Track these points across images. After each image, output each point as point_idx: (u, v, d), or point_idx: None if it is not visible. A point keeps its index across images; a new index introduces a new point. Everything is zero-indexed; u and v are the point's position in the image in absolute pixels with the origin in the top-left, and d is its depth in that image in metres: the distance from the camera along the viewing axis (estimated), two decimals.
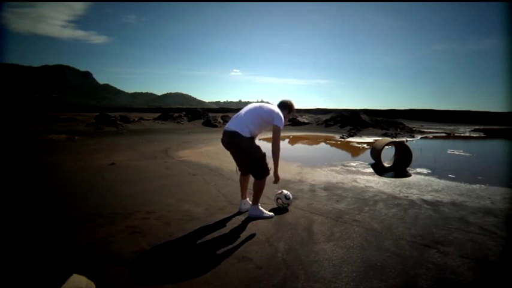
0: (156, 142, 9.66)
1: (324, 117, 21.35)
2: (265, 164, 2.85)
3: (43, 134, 10.63)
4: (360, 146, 9.89)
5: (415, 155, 5.68)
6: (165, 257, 2.13)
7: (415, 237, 2.51)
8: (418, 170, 5.55)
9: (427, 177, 4.93)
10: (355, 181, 4.57)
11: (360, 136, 13.30)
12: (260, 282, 1.83)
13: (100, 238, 2.40)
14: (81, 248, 2.24)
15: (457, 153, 8.50)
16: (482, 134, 17.23)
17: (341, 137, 12.56)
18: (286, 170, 5.33)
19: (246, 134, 2.73)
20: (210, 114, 22.63)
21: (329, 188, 4.14)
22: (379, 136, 12.84)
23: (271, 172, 2.88)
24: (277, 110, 2.84)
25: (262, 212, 2.92)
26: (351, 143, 10.63)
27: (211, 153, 7.38)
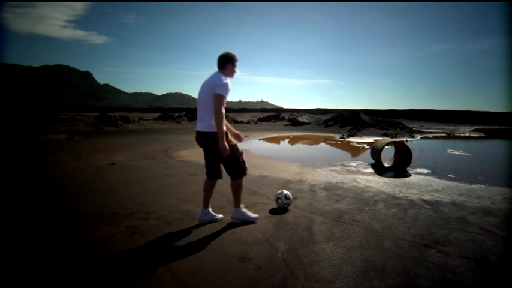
0: (156, 142, 9.66)
1: (324, 117, 21.36)
2: (243, 162, 2.68)
3: (43, 134, 10.63)
4: (360, 146, 9.89)
5: (415, 155, 5.68)
6: (165, 257, 2.13)
7: (415, 237, 2.51)
8: (418, 170, 5.55)
9: (427, 177, 4.93)
10: (355, 181, 4.57)
11: (360, 136, 13.30)
12: (260, 282, 1.83)
13: (100, 238, 2.40)
14: (81, 248, 2.24)
15: (457, 153, 8.50)
16: (482, 134, 17.22)
17: (341, 137, 12.56)
18: (286, 170, 5.33)
19: (213, 128, 2.48)
20: None
21: (329, 188, 4.14)
22: (379, 136, 12.84)
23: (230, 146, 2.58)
24: (218, 77, 2.53)
25: (246, 213, 2.77)
26: (351, 143, 10.63)
27: None
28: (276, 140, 11.71)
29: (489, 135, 16.89)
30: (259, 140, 11.62)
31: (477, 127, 23.61)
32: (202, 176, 4.70)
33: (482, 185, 4.41)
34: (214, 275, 1.90)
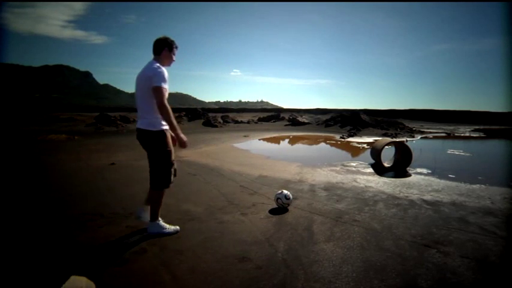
0: None
1: (324, 117, 21.36)
2: (169, 173, 2.39)
3: (43, 134, 10.63)
4: (360, 146, 9.89)
5: (415, 155, 5.68)
6: (164, 257, 2.13)
7: (415, 237, 2.51)
8: (418, 170, 5.55)
9: (427, 177, 4.93)
10: (355, 181, 4.57)
11: (360, 136, 13.30)
12: (260, 282, 1.83)
13: (100, 238, 2.40)
14: (81, 248, 2.24)
15: (457, 153, 8.50)
16: (482, 134, 17.22)
17: (341, 137, 12.56)
18: (286, 170, 5.33)
19: (152, 127, 2.29)
20: (210, 114, 22.66)
21: (329, 188, 4.14)
22: (379, 136, 12.84)
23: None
24: (152, 67, 2.25)
25: (163, 228, 2.46)
26: (351, 143, 10.63)
27: (211, 153, 7.38)
28: (276, 140, 11.71)
29: (489, 135, 16.88)
30: (259, 140, 11.62)
31: (477, 127, 23.60)
32: (202, 176, 4.72)
33: (482, 185, 4.41)
34: (214, 275, 1.90)
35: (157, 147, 2.34)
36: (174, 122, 2.25)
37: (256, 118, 26.17)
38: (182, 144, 2.33)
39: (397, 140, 9.48)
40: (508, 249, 2.33)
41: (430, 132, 17.04)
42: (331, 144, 10.43)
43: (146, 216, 2.49)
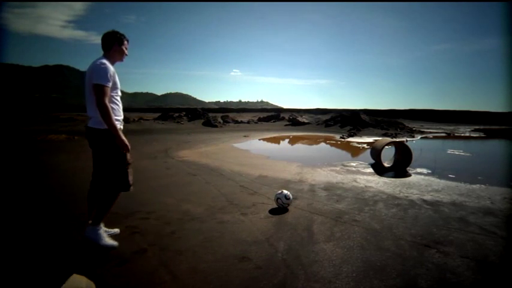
0: (156, 142, 9.66)
1: (324, 117, 21.37)
2: (126, 174, 2.27)
3: (43, 134, 10.63)
4: (360, 146, 9.89)
5: (415, 155, 5.68)
6: (164, 257, 2.12)
7: (415, 237, 2.51)
8: (418, 170, 5.55)
9: (427, 177, 4.93)
10: (355, 181, 4.57)
11: (360, 136, 13.30)
12: (260, 282, 1.83)
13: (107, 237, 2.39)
14: (81, 248, 2.24)
15: (457, 153, 8.50)
16: (482, 134, 17.23)
17: (341, 137, 12.56)
18: (286, 170, 5.33)
19: (101, 125, 2.11)
20: (210, 114, 22.67)
21: (329, 188, 4.14)
22: (379, 136, 12.84)
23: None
24: (97, 63, 2.08)
25: (101, 238, 2.19)
26: (351, 143, 10.63)
27: (211, 153, 7.38)
28: (276, 140, 11.71)
29: (489, 135, 16.89)
30: (259, 140, 11.62)
31: (477, 127, 23.61)
32: (203, 176, 4.72)
33: (482, 185, 4.41)
34: (214, 275, 1.90)
35: (107, 147, 2.16)
36: (114, 123, 2.06)
37: (256, 118, 26.18)
38: (123, 148, 2.16)
39: (397, 140, 9.48)
40: (508, 249, 2.33)
41: (430, 132, 17.04)
42: (331, 144, 10.43)
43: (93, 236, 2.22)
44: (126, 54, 2.29)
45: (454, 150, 9.08)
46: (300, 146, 10.21)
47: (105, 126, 2.08)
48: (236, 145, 9.37)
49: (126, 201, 3.37)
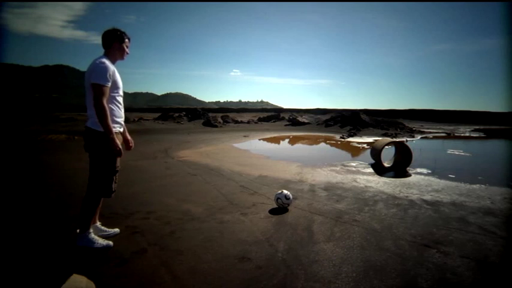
0: (156, 142, 9.66)
1: (324, 117, 21.36)
2: (110, 181, 2.22)
3: (43, 134, 10.63)
4: (360, 146, 9.89)
5: (415, 155, 5.68)
6: (165, 257, 2.13)
7: (415, 237, 2.51)
8: (418, 170, 5.55)
9: (427, 177, 4.93)
10: (355, 181, 4.57)
11: (360, 136, 13.30)
12: (260, 282, 1.83)
13: (100, 238, 2.39)
14: (81, 248, 2.24)
15: (457, 153, 8.50)
16: (482, 134, 17.22)
17: (341, 137, 12.56)
18: (286, 170, 5.33)
19: (98, 127, 2.06)
20: (210, 114, 22.67)
21: (329, 188, 4.14)
22: (379, 136, 12.84)
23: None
24: (96, 62, 2.05)
25: (93, 241, 2.18)
26: (351, 143, 10.63)
27: (211, 153, 7.38)
28: (276, 140, 11.71)
29: (489, 135, 16.88)
30: (259, 140, 11.62)
31: (477, 127, 23.60)
32: (203, 176, 4.72)
33: (482, 185, 4.41)
34: (214, 275, 1.90)
35: (100, 150, 2.12)
36: (109, 125, 2.01)
37: (256, 118, 26.18)
38: (116, 153, 2.11)
39: (397, 140, 9.48)
40: (508, 249, 2.33)
41: (430, 132, 17.04)
42: (331, 144, 10.43)
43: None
44: (127, 53, 2.25)
45: (454, 150, 9.08)
46: (300, 146, 10.21)
47: (102, 129, 2.03)
48: (236, 145, 9.37)
49: (126, 201, 3.38)
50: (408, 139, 12.31)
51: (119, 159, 2.22)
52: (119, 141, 2.11)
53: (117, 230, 2.49)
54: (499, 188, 4.30)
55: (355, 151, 8.70)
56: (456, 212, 3.18)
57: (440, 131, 18.86)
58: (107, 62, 2.07)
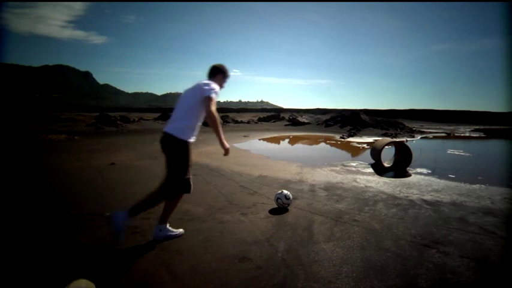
0: (156, 142, 9.63)
1: (324, 117, 21.36)
2: (186, 179, 2.40)
3: (43, 134, 10.63)
4: (360, 146, 9.90)
5: (415, 155, 5.68)
6: (165, 257, 2.13)
7: (415, 237, 2.51)
8: (418, 170, 5.55)
9: (427, 177, 4.93)
10: (355, 181, 4.56)
11: (360, 136, 13.30)
12: (260, 282, 1.83)
13: (100, 238, 2.40)
14: (81, 248, 2.24)
15: (457, 153, 8.50)
16: (482, 134, 17.22)
17: (341, 137, 12.57)
18: (286, 170, 5.33)
19: (183, 136, 2.29)
20: None
21: (329, 188, 4.14)
22: (379, 136, 12.84)
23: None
24: (208, 82, 2.36)
25: (171, 231, 2.47)
26: (351, 143, 10.63)
27: (211, 153, 7.38)
28: (276, 140, 11.70)
29: (489, 135, 16.88)
30: (259, 140, 11.62)
31: (477, 127, 23.59)
32: (203, 176, 4.71)
33: (482, 185, 4.41)
34: (214, 275, 1.90)
35: (179, 154, 2.33)
36: (219, 127, 2.28)
37: (256, 118, 26.17)
38: (225, 152, 2.41)
39: (397, 140, 9.48)
40: (508, 249, 2.33)
41: (430, 132, 17.05)
42: (331, 144, 10.43)
43: (163, 234, 2.42)
44: (223, 87, 2.60)
45: (454, 150, 9.08)
46: (300, 146, 10.21)
47: (183, 137, 2.28)
48: (236, 145, 9.37)
49: (126, 201, 3.37)
50: (408, 139, 12.31)
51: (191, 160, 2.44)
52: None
53: (181, 230, 2.56)
54: (499, 188, 4.29)
55: (355, 151, 8.70)
56: (456, 212, 3.18)
57: (440, 131, 18.86)
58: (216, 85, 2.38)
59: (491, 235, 2.57)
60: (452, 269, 2.00)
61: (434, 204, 3.42)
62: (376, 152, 5.98)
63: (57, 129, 12.97)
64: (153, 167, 5.48)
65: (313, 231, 2.61)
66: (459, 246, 2.34)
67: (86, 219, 2.81)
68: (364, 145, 9.99)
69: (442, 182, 4.59)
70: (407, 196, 3.76)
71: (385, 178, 4.86)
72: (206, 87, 2.29)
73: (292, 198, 3.25)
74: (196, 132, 2.41)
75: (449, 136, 15.50)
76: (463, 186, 4.37)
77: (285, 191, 3.22)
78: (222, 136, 2.31)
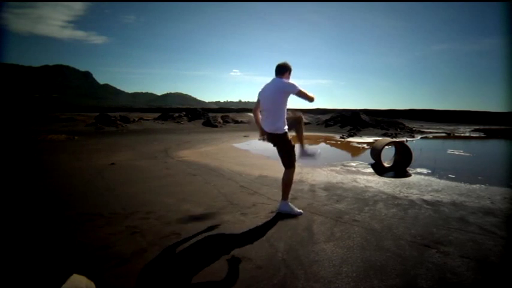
0: (156, 142, 9.66)
1: (324, 117, 21.36)
2: (294, 157, 3.11)
3: (43, 134, 10.63)
4: (360, 146, 9.90)
5: (415, 155, 5.68)
6: (165, 257, 2.13)
7: (415, 237, 2.50)
8: (418, 170, 5.55)
9: (427, 177, 4.93)
10: (355, 181, 4.56)
11: (360, 136, 13.30)
12: (260, 282, 1.83)
13: (100, 238, 2.40)
14: (81, 248, 2.24)
15: (457, 153, 8.50)
16: (482, 134, 17.22)
17: (341, 137, 12.57)
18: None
19: (282, 131, 2.95)
20: (210, 114, 22.65)
21: (329, 188, 4.14)
22: (379, 136, 12.84)
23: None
24: (283, 81, 2.89)
25: (292, 208, 3.03)
26: (351, 143, 10.63)
27: (211, 153, 7.38)
28: None
29: (489, 135, 16.88)
30: (259, 140, 11.60)
31: (477, 127, 23.58)
32: (203, 176, 4.72)
33: (482, 185, 4.41)
34: (214, 274, 1.90)
35: (284, 142, 3.01)
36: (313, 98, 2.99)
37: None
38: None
39: (397, 140, 9.48)
40: (508, 249, 2.33)
41: (430, 132, 17.05)
42: (331, 144, 10.44)
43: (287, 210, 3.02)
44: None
45: (454, 150, 9.08)
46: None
47: (282, 131, 2.95)
48: (236, 145, 9.37)
49: (126, 201, 3.38)
50: (408, 139, 12.31)
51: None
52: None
53: (300, 210, 3.04)
54: (499, 188, 4.29)
55: (355, 151, 8.70)
56: (456, 212, 3.18)
57: (440, 131, 18.86)
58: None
59: (491, 235, 2.57)
60: (452, 269, 2.00)
61: (434, 204, 3.42)
62: (376, 152, 5.98)
63: (57, 129, 12.97)
64: (152, 167, 5.48)
65: (313, 231, 2.61)
66: (459, 246, 2.34)
67: (86, 219, 2.81)
68: (364, 145, 9.99)
69: (442, 182, 4.59)
70: (407, 196, 3.76)
71: (385, 178, 4.86)
72: (288, 85, 2.85)
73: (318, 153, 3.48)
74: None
75: (449, 136, 15.50)
76: (463, 186, 4.37)
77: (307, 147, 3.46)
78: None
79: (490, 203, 3.53)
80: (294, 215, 2.95)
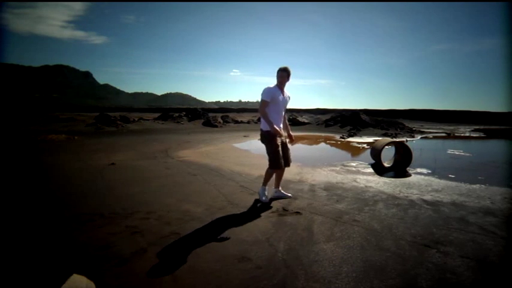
0: (156, 142, 9.66)
1: (324, 117, 21.37)
2: (278, 158, 3.35)
3: (43, 134, 10.63)
4: (360, 146, 9.89)
5: (415, 155, 5.67)
6: (164, 257, 2.13)
7: (415, 237, 2.51)
8: (418, 170, 5.55)
9: (427, 177, 4.93)
10: (355, 181, 4.56)
11: (360, 136, 13.30)
12: (260, 282, 1.83)
13: (100, 238, 2.40)
14: (81, 248, 2.24)
15: (457, 153, 8.50)
16: (482, 134, 17.21)
17: (341, 137, 12.56)
18: (286, 170, 5.31)
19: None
20: (210, 114, 22.67)
21: (329, 188, 4.14)
22: (379, 136, 12.84)
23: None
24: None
25: (282, 193, 3.60)
26: (351, 143, 10.63)
27: (211, 153, 7.38)
28: None
29: (489, 135, 16.87)
30: (259, 140, 11.60)
31: (477, 127, 23.58)
32: (203, 176, 4.72)
33: (482, 185, 4.41)
34: (214, 275, 1.90)
35: (267, 141, 3.41)
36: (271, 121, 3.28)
37: (256, 118, 26.16)
38: (291, 141, 3.77)
39: (397, 140, 9.48)
40: (508, 249, 2.33)
41: (430, 132, 17.04)
42: (331, 144, 10.43)
43: (277, 195, 3.57)
44: (286, 80, 3.36)
45: (454, 150, 9.08)
46: (299, 146, 10.20)
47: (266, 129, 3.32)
48: (236, 145, 9.37)
49: (126, 201, 3.38)
50: (408, 139, 12.31)
51: (279, 145, 3.34)
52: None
53: (290, 194, 3.63)
54: (499, 188, 4.29)
55: (355, 151, 8.70)
56: (456, 212, 3.18)
57: (440, 131, 18.86)
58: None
59: (491, 235, 2.57)
60: (452, 269, 2.00)
61: (434, 204, 3.42)
62: (376, 152, 5.98)
63: (57, 129, 12.97)
64: (152, 167, 5.48)
65: (313, 231, 2.61)
66: (459, 246, 2.34)
67: (86, 219, 2.81)
68: (364, 145, 9.99)
69: (442, 182, 4.59)
70: (407, 196, 3.76)
71: (385, 178, 4.86)
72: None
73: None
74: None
75: (449, 136, 15.49)
76: (463, 186, 4.37)
77: None
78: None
79: (490, 203, 3.53)
80: (284, 197, 3.54)
